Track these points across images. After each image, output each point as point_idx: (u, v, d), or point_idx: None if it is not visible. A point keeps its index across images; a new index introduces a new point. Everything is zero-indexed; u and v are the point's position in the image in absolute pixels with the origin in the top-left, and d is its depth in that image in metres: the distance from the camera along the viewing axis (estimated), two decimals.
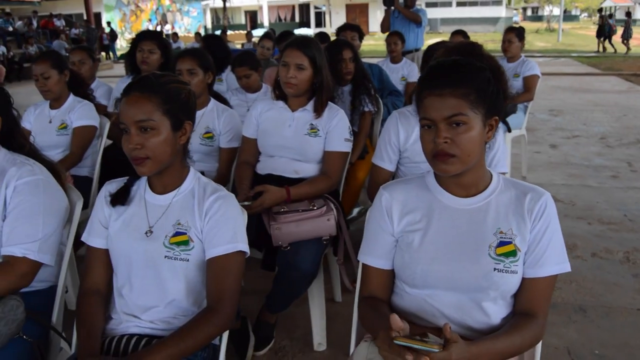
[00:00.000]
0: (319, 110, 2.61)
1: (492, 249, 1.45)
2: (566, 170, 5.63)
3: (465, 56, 1.51)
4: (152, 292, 1.61)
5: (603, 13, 23.64)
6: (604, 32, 21.86)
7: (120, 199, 1.66)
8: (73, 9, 28.73)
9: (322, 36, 5.27)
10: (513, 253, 1.44)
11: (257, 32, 19.65)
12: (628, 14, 22.58)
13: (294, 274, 2.31)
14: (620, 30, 21.55)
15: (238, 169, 2.73)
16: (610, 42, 21.78)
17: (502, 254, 1.44)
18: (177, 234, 1.60)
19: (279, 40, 4.65)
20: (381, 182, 2.60)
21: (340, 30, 4.86)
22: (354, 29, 4.86)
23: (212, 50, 4.97)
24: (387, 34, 7.04)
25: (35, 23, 21.35)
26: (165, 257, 1.59)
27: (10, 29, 20.05)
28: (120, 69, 10.96)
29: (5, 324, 1.53)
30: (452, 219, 1.49)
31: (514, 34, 4.94)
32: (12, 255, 1.65)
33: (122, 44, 28.45)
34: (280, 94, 2.68)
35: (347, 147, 2.65)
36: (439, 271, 1.46)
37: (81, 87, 3.46)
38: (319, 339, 2.64)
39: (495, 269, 1.43)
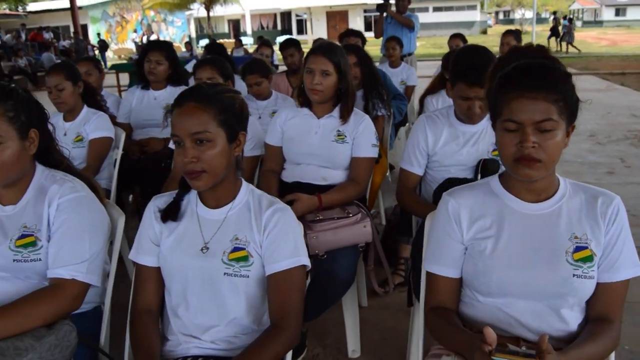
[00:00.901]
0: (345, 116, 2.52)
1: (569, 254, 1.37)
2: (562, 168, 5.56)
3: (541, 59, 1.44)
4: (211, 311, 1.49)
5: (556, 15, 25.72)
6: (557, 33, 23.70)
7: (171, 214, 1.54)
8: (60, 22, 28.37)
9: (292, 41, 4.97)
10: (590, 258, 1.37)
11: (244, 40, 19.47)
12: (570, 19, 23.99)
13: (331, 282, 2.21)
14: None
15: (264, 177, 2.63)
16: (560, 42, 23.27)
17: (580, 260, 1.37)
18: (235, 249, 1.48)
19: (283, 48, 4.54)
20: (411, 187, 2.54)
21: (343, 36, 4.77)
22: (357, 34, 4.77)
23: None
24: (380, 38, 7.01)
25: (23, 36, 20.96)
26: (225, 274, 1.47)
27: None
28: (111, 79, 10.73)
29: (60, 351, 1.41)
30: (525, 224, 1.41)
31: (513, 36, 4.89)
32: (60, 277, 1.51)
33: (109, 55, 28.10)
34: (304, 100, 2.58)
35: (374, 152, 2.56)
36: (516, 278, 1.38)
37: (94, 98, 3.32)
38: (353, 346, 2.54)
39: (574, 275, 1.36)
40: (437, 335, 1.47)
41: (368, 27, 33.02)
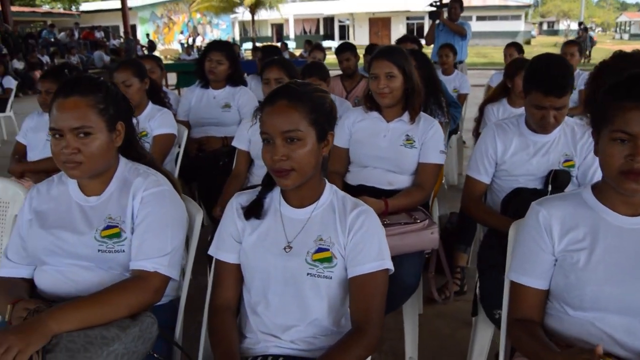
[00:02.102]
0: (413, 116, 2.50)
1: None
2: None
3: None
4: (293, 311, 1.47)
5: (582, 27, 25.14)
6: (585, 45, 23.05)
7: (254, 212, 1.52)
8: (110, 22, 29.08)
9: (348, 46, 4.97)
10: None
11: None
12: (585, 28, 23.69)
13: (396, 288, 2.16)
14: None
15: (329, 179, 2.60)
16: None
17: None
18: (319, 250, 1.46)
19: (338, 52, 4.54)
20: (477, 195, 2.48)
21: (400, 42, 4.72)
22: (413, 40, 4.72)
23: None
24: (430, 46, 6.94)
25: (77, 34, 21.52)
26: (308, 274, 1.45)
27: (53, 39, 20.22)
28: None
29: (142, 343, 1.41)
30: (621, 238, 1.35)
31: (576, 48, 4.75)
32: (144, 269, 1.52)
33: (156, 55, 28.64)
34: (372, 105, 2.56)
35: (442, 159, 2.52)
36: (612, 293, 1.32)
37: (158, 95, 3.36)
38: (411, 353, 2.48)
39: None
40: (523, 349, 1.42)
41: (410, 35, 32.76)
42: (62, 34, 21.06)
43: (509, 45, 5.50)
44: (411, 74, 2.46)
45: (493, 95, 3.72)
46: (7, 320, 1.42)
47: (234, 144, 2.96)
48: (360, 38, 38.33)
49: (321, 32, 44.69)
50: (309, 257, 1.45)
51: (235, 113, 3.70)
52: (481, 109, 3.74)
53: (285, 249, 1.48)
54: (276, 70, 2.77)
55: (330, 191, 1.55)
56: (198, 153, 3.64)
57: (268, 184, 1.55)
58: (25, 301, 1.43)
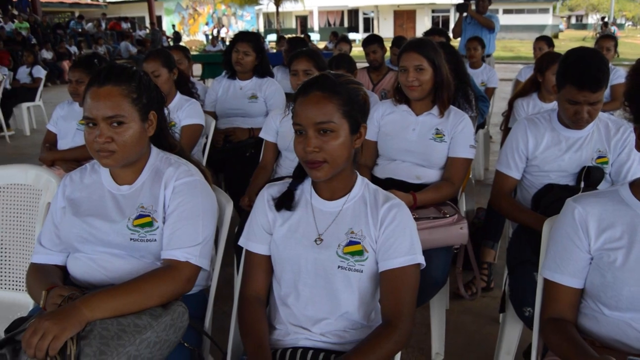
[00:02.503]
0: (442, 109, 2.47)
1: None
2: None
3: None
4: (323, 303, 1.46)
5: (605, 20, 23.82)
6: None
7: (285, 203, 1.52)
8: (136, 13, 29.33)
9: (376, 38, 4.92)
10: None
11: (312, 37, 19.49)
12: (605, 23, 22.30)
13: (424, 282, 2.11)
14: None
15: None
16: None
17: None
18: (350, 243, 1.45)
19: (366, 44, 4.50)
20: (506, 191, 2.43)
21: (427, 34, 4.65)
22: (441, 33, 4.65)
23: None
24: (457, 39, 6.85)
25: (104, 25, 21.73)
26: (339, 267, 1.44)
27: (81, 30, 20.45)
28: None
29: (174, 332, 1.41)
30: None
31: (613, 42, 4.63)
32: (175, 259, 1.52)
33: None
34: (401, 98, 2.53)
35: (471, 153, 2.48)
36: None
37: (186, 86, 3.38)
38: (437, 349, 2.47)
39: None
40: (557, 350, 1.39)
41: (437, 27, 32.42)
42: (90, 24, 21.25)
43: (538, 39, 5.40)
44: (441, 66, 2.42)
45: (523, 90, 3.65)
46: (42, 306, 1.44)
47: (261, 135, 2.95)
48: (385, 31, 38.04)
49: (345, 24, 44.45)
50: (340, 249, 1.44)
51: (262, 104, 3.70)
52: (510, 104, 3.68)
53: (316, 241, 1.47)
54: (305, 61, 2.74)
55: (362, 184, 1.53)
56: (225, 144, 3.65)
57: (299, 175, 1.54)
58: (59, 288, 1.44)
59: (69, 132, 3.34)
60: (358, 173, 1.55)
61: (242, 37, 3.76)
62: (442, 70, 2.43)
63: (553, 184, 2.30)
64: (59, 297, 1.39)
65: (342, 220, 1.48)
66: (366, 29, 42.31)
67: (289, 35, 6.33)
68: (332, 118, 1.38)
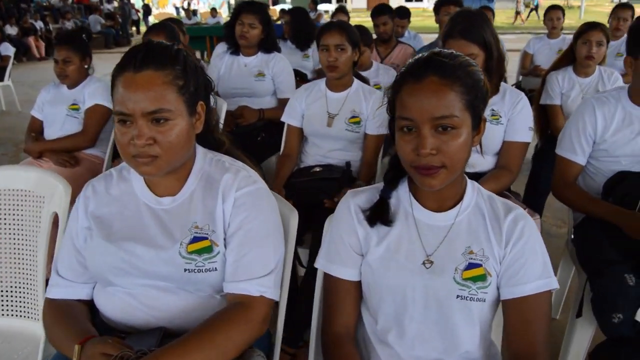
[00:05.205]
0: (493, 89, 2.15)
1: None
2: None
3: None
4: (437, 342, 1.15)
5: None
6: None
7: (381, 216, 1.18)
8: None
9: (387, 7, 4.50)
10: None
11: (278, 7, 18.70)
12: None
13: None
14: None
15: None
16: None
17: None
18: (470, 266, 1.13)
19: (374, 15, 4.14)
20: (571, 178, 2.13)
21: (440, 5, 4.27)
22: (456, 3, 4.29)
23: (299, 24, 4.48)
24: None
25: None
26: (458, 296, 1.12)
27: (46, 4, 19.42)
28: None
29: None
30: None
31: (630, 13, 4.30)
32: (248, 294, 1.18)
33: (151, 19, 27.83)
34: None
35: (530, 137, 2.19)
36: None
37: None
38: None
39: None
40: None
41: None
42: None
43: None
44: (491, 45, 2.08)
45: (558, 63, 3.35)
46: None
47: (283, 119, 2.60)
48: (359, 1, 37.33)
49: None
50: (458, 275, 1.13)
51: (269, 82, 3.32)
52: (543, 79, 3.37)
53: (424, 263, 1.15)
54: (337, 35, 2.36)
55: (473, 189, 1.21)
56: (233, 128, 3.28)
57: (392, 179, 1.21)
58: (99, 342, 1.08)
59: (57, 119, 2.94)
60: (467, 177, 1.23)
61: (247, 7, 3.33)
62: (492, 49, 2.10)
63: (627, 172, 2.03)
64: (102, 357, 1.04)
65: (456, 236, 1.16)
66: None
67: (284, 6, 5.86)
68: (454, 111, 1.05)
